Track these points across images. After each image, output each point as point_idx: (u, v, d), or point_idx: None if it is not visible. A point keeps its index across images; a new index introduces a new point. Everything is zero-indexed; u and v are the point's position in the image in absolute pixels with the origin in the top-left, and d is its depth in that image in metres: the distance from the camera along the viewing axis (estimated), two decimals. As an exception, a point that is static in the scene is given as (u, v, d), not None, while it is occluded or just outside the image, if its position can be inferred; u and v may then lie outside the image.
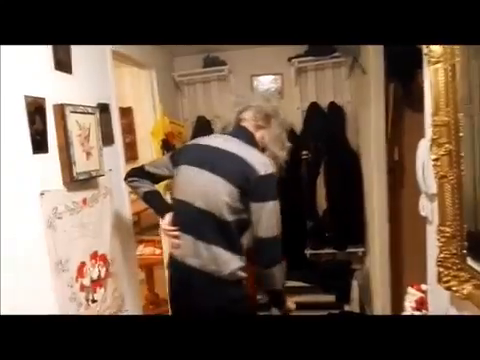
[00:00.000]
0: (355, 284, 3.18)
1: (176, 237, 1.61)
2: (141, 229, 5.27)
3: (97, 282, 1.88)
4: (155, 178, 1.81)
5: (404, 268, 3.11)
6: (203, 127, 3.55)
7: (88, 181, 1.89)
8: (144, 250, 3.55)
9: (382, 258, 3.00)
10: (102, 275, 1.92)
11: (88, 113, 1.88)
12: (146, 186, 1.79)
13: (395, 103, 3.03)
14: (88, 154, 1.86)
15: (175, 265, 1.65)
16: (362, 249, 3.43)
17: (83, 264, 1.78)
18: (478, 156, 1.37)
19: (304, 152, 3.46)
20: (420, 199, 1.75)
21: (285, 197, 3.44)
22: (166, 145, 2.95)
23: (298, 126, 3.57)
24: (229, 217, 1.53)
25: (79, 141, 1.79)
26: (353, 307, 3.13)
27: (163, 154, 2.85)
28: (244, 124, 1.69)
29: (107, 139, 2.18)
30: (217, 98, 3.66)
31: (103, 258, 1.95)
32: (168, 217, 1.68)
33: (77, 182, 1.77)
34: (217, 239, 1.53)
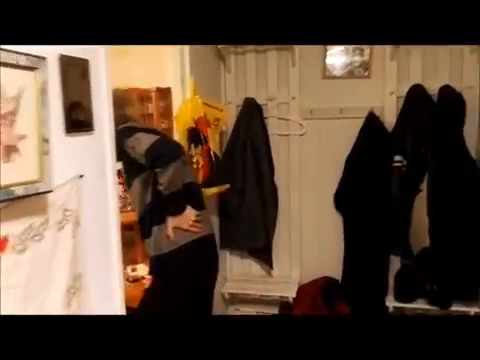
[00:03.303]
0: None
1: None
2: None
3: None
4: None
5: None
6: (252, 113, 2.54)
7: (12, 204, 0.94)
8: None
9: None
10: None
11: (18, 67, 0.92)
12: None
13: None
14: (10, 151, 0.91)
15: (201, 243, 1.69)
16: (476, 309, 2.28)
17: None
18: None
19: (397, 158, 2.39)
20: None
21: (362, 221, 2.31)
22: (194, 136, 1.97)
23: (391, 119, 2.48)
24: None
25: (-15, 123, 0.84)
26: None
27: (189, 146, 1.99)
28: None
29: (79, 122, 1.22)
30: (274, 74, 2.64)
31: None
32: (190, 208, 1.68)
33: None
34: None
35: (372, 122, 2.47)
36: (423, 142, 2.34)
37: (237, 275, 2.76)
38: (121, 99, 1.63)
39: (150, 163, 1.54)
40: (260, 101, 2.60)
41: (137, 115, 1.80)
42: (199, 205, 1.72)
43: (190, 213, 1.65)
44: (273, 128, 2.63)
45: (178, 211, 1.62)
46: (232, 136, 2.54)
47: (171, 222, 1.62)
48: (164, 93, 4.68)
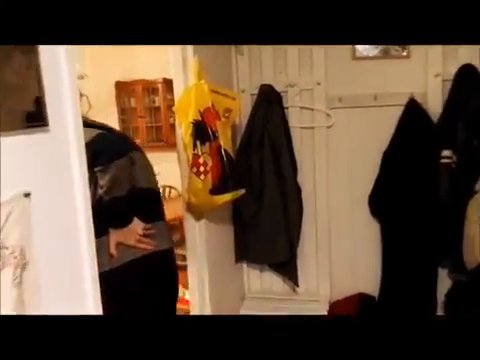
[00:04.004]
0: None
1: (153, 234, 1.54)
2: (182, 239, 4.20)
3: None
4: None
5: None
6: (269, 103, 2.25)
7: None
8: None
9: None
10: None
11: None
12: None
13: None
14: None
15: (152, 260, 1.51)
16: None
17: None
18: None
19: (446, 153, 2.09)
20: None
21: (403, 228, 2.25)
22: (200, 131, 1.64)
23: (436, 106, 2.17)
24: None
25: None
26: None
27: (195, 144, 1.68)
28: None
29: (19, 115, 0.87)
30: (295, 55, 2.35)
31: None
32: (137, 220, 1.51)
33: None
34: None
35: (413, 110, 2.18)
36: (476, 133, 2.02)
37: (256, 293, 2.50)
38: None
39: (89, 160, 1.29)
40: (279, 88, 2.33)
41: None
42: (154, 215, 1.56)
43: (137, 226, 1.46)
44: (294, 120, 2.36)
45: (122, 223, 1.45)
46: (246, 130, 2.26)
47: (114, 236, 1.42)
48: (172, 84, 4.37)
